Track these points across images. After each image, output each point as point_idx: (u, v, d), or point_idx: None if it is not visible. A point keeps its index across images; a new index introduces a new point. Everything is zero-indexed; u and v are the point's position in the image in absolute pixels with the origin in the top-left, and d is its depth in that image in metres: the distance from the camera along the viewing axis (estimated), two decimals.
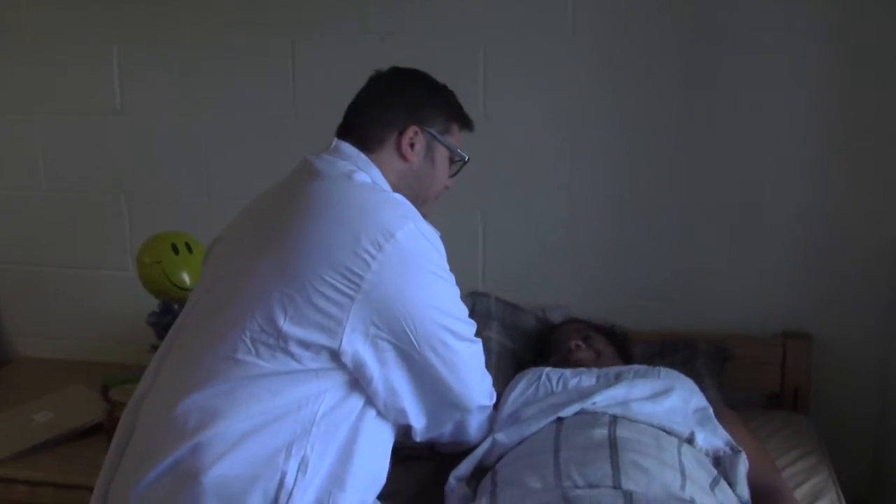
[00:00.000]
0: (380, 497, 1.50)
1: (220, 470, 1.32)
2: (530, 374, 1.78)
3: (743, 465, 1.52)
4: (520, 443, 1.56)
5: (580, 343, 1.92)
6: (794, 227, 2.17)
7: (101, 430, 2.01)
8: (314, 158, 1.51)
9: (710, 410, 1.65)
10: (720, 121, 2.15)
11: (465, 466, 1.58)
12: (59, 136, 2.51)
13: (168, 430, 1.36)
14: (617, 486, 1.37)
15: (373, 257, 1.35)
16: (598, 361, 1.87)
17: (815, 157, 2.13)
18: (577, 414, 1.58)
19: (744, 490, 1.51)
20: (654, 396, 1.61)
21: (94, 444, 2.00)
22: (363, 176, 1.48)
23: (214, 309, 1.43)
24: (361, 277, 1.35)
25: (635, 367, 1.77)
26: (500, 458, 1.56)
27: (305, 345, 1.35)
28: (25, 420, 2.12)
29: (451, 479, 1.56)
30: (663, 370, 1.73)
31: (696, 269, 2.23)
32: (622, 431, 1.49)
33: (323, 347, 1.36)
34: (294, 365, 1.36)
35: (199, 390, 1.36)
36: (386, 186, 1.52)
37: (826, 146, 2.11)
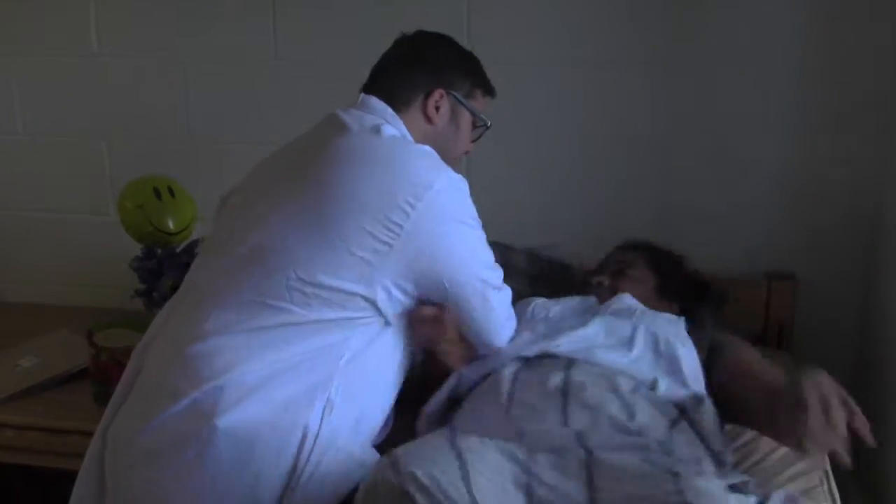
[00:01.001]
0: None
1: (240, 414, 1.34)
2: (519, 305, 1.77)
3: (710, 416, 1.47)
4: (486, 377, 1.57)
5: (603, 280, 1.84)
6: (779, 169, 2.16)
7: (86, 375, 2.01)
8: (342, 112, 1.53)
9: (685, 362, 1.56)
10: (708, 63, 2.13)
11: (433, 403, 1.59)
12: (36, 80, 2.46)
13: (185, 371, 1.37)
14: (565, 422, 1.38)
15: (412, 207, 1.40)
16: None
17: (801, 100, 2.11)
18: (540, 356, 1.56)
19: (717, 441, 1.45)
20: (621, 344, 1.57)
21: (81, 388, 2.00)
22: (391, 129, 1.51)
23: (242, 258, 1.44)
24: (400, 227, 1.40)
25: (616, 305, 1.71)
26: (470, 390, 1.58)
27: (341, 292, 1.39)
28: (11, 365, 2.12)
29: (422, 420, 1.57)
30: (641, 313, 1.67)
31: (681, 211, 2.23)
32: (576, 375, 1.48)
33: (358, 295, 1.40)
34: (328, 313, 1.40)
35: (222, 334, 1.38)
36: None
37: (811, 90, 2.10)
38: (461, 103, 1.62)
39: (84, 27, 2.39)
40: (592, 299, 1.79)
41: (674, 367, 1.56)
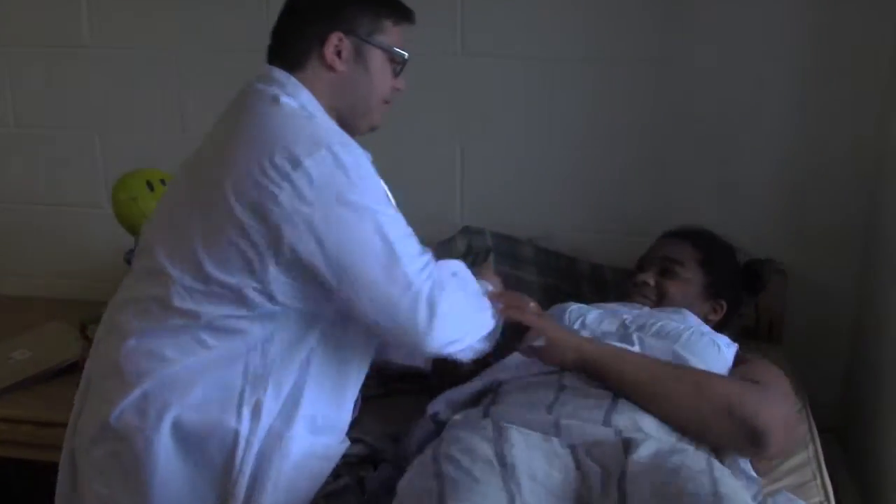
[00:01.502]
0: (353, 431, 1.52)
1: (167, 423, 1.32)
2: (556, 309, 1.75)
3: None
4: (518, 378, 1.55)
5: (648, 279, 1.81)
6: (770, 164, 2.16)
7: (79, 368, 2.01)
8: (246, 88, 1.45)
9: None
10: (700, 56, 2.13)
11: (458, 393, 1.57)
12: (28, 73, 2.45)
13: (115, 378, 1.36)
14: (608, 423, 1.38)
15: (279, 187, 1.28)
16: (659, 304, 1.78)
17: (797, 98, 2.11)
18: None
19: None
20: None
21: (73, 382, 1.96)
22: (289, 101, 1.39)
23: (150, 259, 1.40)
24: (271, 210, 1.28)
25: (663, 322, 1.65)
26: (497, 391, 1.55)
27: (234, 288, 1.31)
28: (4, 358, 2.11)
29: (440, 401, 1.56)
30: (688, 335, 1.61)
31: (676, 205, 2.23)
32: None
33: (254, 290, 1.31)
34: (235, 311, 1.33)
35: (140, 338, 1.35)
36: (316, 109, 1.42)
37: (807, 88, 2.10)
38: (365, 42, 1.44)
39: (76, 19, 2.37)
40: (631, 311, 1.73)
41: None
